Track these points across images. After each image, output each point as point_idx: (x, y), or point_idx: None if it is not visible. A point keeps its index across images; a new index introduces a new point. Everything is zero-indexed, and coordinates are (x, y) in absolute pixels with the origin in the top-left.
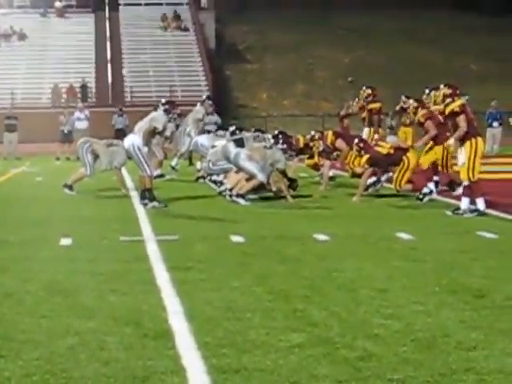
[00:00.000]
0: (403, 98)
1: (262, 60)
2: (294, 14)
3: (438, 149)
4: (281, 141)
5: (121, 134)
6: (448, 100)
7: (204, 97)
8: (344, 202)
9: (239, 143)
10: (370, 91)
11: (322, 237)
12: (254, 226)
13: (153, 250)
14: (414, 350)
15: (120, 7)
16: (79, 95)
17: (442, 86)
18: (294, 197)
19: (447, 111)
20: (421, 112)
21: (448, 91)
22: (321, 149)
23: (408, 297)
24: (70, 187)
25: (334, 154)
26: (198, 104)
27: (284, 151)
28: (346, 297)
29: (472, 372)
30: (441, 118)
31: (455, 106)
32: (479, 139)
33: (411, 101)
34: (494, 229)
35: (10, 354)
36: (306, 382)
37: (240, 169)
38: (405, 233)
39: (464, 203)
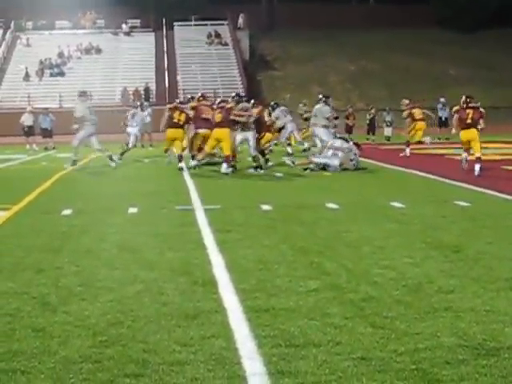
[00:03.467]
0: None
1: (285, 68)
2: (310, 32)
3: None
4: None
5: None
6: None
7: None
8: (348, 178)
9: None
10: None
11: (332, 205)
12: (279, 198)
13: (201, 216)
14: (405, 293)
15: (175, 27)
16: (143, 96)
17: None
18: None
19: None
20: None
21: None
22: None
23: (400, 252)
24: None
25: None
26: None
27: None
28: (351, 252)
29: (450, 310)
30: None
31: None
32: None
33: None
34: (468, 198)
35: (89, 297)
36: (320, 319)
37: None
38: (397, 202)
39: None
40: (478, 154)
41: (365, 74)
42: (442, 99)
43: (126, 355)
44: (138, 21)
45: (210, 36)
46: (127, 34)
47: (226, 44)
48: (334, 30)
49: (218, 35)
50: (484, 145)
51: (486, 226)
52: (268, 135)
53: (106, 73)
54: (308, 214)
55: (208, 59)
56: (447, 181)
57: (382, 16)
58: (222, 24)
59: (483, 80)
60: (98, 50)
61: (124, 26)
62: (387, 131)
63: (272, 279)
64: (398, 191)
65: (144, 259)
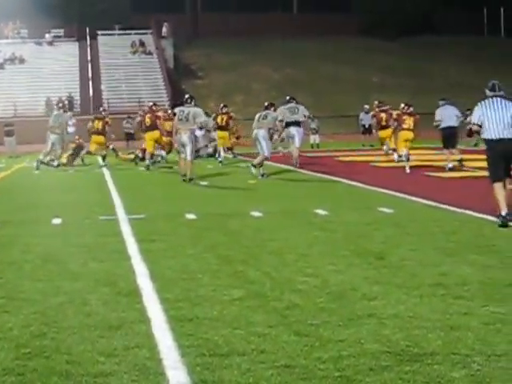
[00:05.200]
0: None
1: (210, 77)
2: (234, 41)
3: None
4: None
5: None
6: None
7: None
8: (274, 185)
9: None
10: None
11: (257, 213)
12: (204, 206)
13: (125, 226)
14: (329, 301)
15: (98, 36)
16: (67, 106)
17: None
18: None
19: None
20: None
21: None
22: None
23: (324, 259)
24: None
25: None
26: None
27: None
28: (275, 260)
29: (374, 317)
30: None
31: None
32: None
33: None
34: (391, 205)
35: (12, 309)
36: (244, 327)
37: None
38: (321, 209)
39: None
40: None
41: (290, 82)
42: (366, 106)
43: (49, 367)
44: (62, 30)
45: (134, 45)
46: (50, 43)
47: (150, 53)
48: (258, 38)
49: (142, 44)
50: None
51: (409, 233)
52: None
53: (29, 82)
54: (233, 223)
55: (132, 68)
56: (372, 188)
57: (306, 24)
58: (146, 33)
59: (407, 87)
60: (22, 60)
61: (47, 35)
62: (314, 138)
63: (196, 288)
64: (322, 198)
65: (68, 270)
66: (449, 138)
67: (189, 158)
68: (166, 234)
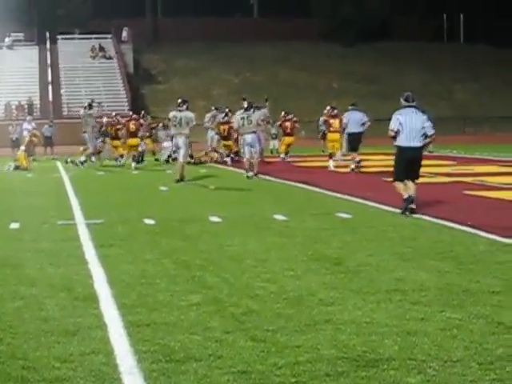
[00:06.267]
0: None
1: (170, 81)
2: (194, 45)
3: None
4: None
5: (50, 141)
6: None
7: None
8: (232, 190)
9: None
10: None
11: (215, 219)
12: (163, 211)
13: (83, 231)
14: (286, 306)
15: (58, 41)
16: (26, 110)
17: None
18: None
19: None
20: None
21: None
22: None
23: (282, 265)
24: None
25: None
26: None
27: None
28: (233, 266)
29: (330, 323)
30: None
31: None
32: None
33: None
34: (349, 210)
35: None
36: (201, 333)
37: None
38: (280, 215)
39: None
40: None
41: (249, 87)
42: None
43: (5, 373)
44: (22, 34)
45: (93, 49)
46: (10, 47)
47: (110, 57)
48: (218, 43)
49: (101, 49)
50: (365, 157)
51: (366, 238)
52: None
53: None
54: (191, 228)
55: (92, 72)
56: (330, 193)
57: (267, 29)
58: (106, 38)
59: (365, 93)
60: None
61: (7, 39)
62: (273, 144)
63: (153, 294)
64: (281, 204)
65: (24, 275)
66: (353, 142)
67: (181, 159)
68: (124, 239)
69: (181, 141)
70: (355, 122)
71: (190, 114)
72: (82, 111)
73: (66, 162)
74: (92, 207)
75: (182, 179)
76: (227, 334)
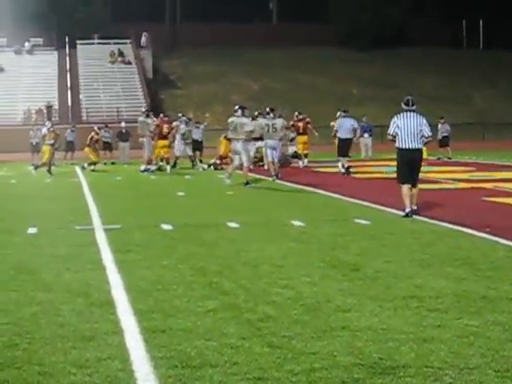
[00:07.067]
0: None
1: (188, 87)
2: (213, 51)
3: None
4: None
5: (71, 145)
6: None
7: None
8: (250, 196)
9: None
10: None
11: (233, 224)
12: (180, 217)
13: (100, 236)
14: (302, 313)
15: (77, 46)
16: (45, 115)
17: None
18: None
19: None
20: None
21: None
22: None
23: (299, 271)
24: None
25: None
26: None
27: None
28: (250, 271)
29: (347, 329)
30: None
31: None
32: None
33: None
34: (368, 216)
35: None
36: (217, 339)
37: None
38: (297, 220)
39: None
40: (306, 152)
41: (268, 93)
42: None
43: (21, 378)
44: (41, 39)
45: (113, 54)
46: (30, 52)
47: (129, 62)
48: (237, 48)
49: (121, 54)
50: (384, 163)
51: (384, 245)
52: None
53: (8, 92)
54: (208, 234)
55: (111, 78)
56: (348, 199)
57: (285, 35)
58: (125, 43)
59: (383, 98)
60: (1, 69)
61: (27, 44)
62: (291, 149)
63: (170, 300)
64: (298, 210)
65: (41, 281)
66: (343, 147)
67: (245, 164)
68: (141, 245)
69: (239, 145)
70: (346, 129)
71: (244, 120)
72: (140, 118)
73: (83, 168)
74: (110, 212)
75: (247, 182)
76: (243, 340)
